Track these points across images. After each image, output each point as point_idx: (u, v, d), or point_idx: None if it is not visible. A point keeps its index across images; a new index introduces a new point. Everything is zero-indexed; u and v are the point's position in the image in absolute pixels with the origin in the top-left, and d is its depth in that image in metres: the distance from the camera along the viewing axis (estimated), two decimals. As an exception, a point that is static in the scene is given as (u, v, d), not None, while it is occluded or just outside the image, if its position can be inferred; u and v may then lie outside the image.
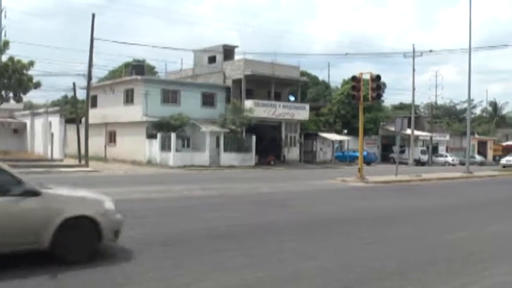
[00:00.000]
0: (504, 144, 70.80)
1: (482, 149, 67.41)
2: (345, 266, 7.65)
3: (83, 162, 31.17)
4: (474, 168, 39.80)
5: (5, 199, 6.73)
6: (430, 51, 49.79)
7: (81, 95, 42.02)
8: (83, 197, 7.85)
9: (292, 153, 44.47)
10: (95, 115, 38.98)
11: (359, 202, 16.79)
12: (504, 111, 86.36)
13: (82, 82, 36.30)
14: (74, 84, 34.82)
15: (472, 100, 65.84)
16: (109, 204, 7.72)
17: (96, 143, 38.34)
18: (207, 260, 7.69)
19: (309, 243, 9.27)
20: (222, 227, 10.50)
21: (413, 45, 57.36)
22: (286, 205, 14.78)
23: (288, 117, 42.73)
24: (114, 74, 50.87)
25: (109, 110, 40.35)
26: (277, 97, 43.71)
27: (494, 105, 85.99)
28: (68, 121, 35.35)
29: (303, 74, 50.03)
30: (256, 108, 39.70)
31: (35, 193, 6.92)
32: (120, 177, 25.57)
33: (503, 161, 50.55)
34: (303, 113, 43.79)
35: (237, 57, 43.93)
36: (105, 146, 40.10)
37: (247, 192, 18.61)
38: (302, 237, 9.79)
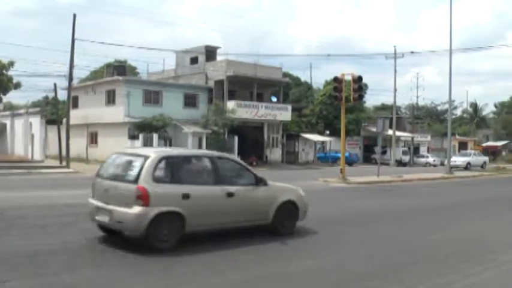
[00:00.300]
0: (484, 145, 71.68)
1: (462, 149, 68.02)
2: (329, 266, 7.68)
3: (64, 163, 30.77)
4: (455, 168, 40.18)
5: (249, 187, 9.30)
6: (412, 52, 50.01)
7: (62, 95, 41.56)
8: (288, 186, 10.56)
9: (275, 154, 44.49)
10: (76, 116, 38.58)
11: (342, 203, 16.84)
12: (484, 113, 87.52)
13: (63, 83, 35.82)
14: (55, 84, 34.30)
15: (453, 101, 66.53)
16: (302, 192, 10.42)
17: (78, 144, 37.96)
18: (198, 260, 7.67)
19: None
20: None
21: (394, 46, 57.79)
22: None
23: (270, 118, 42.75)
24: (95, 74, 50.34)
25: (90, 110, 39.97)
26: (260, 98, 43.70)
27: (474, 106, 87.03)
28: (49, 122, 34.87)
29: (285, 75, 50.11)
30: (239, 109, 39.66)
31: (265, 183, 9.53)
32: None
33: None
34: (285, 113, 43.85)
35: (219, 58, 43.83)
36: (87, 147, 39.72)
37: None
38: (286, 238, 9.78)
